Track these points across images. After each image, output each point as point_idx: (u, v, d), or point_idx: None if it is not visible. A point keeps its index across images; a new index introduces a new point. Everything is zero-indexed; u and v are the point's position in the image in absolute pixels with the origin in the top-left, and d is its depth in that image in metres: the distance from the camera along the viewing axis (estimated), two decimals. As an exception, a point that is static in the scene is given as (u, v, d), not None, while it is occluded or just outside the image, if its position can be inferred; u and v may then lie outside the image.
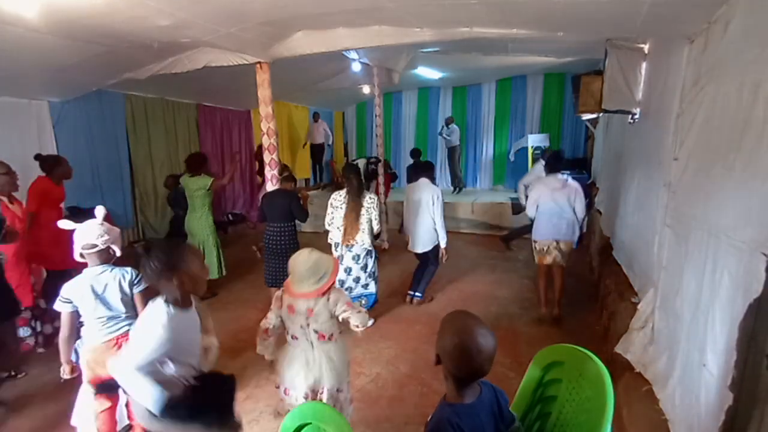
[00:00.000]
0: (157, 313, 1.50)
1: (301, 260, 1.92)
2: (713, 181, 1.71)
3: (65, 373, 2.09)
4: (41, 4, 2.45)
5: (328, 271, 1.93)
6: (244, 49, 3.68)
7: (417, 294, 4.29)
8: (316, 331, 1.94)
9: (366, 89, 7.70)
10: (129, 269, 2.14)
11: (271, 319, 2.01)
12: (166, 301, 1.53)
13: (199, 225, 4.43)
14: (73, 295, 2.03)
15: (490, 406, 1.25)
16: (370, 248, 3.83)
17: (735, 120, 1.55)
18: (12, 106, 4.53)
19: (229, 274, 5.01)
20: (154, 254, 1.51)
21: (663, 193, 2.38)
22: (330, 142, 9.93)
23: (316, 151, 9.63)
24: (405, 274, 4.78)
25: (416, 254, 4.25)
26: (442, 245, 4.07)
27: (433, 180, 4.19)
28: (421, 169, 4.33)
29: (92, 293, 2.03)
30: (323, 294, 1.92)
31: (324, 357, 1.96)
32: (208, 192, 4.41)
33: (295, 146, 9.28)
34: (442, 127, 9.14)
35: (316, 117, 9.42)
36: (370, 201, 3.76)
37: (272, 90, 4.06)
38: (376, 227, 3.82)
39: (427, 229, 4.06)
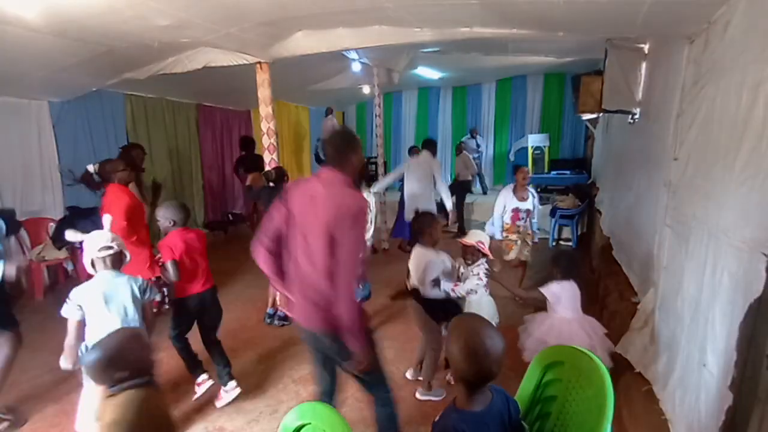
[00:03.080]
0: (429, 250, 2.65)
1: None
2: (713, 181, 1.71)
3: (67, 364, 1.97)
4: (41, 4, 2.45)
5: None
6: (244, 49, 3.68)
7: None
8: None
9: (366, 89, 7.68)
10: (138, 278, 2.15)
11: None
12: (425, 245, 2.67)
13: None
14: (84, 300, 1.98)
15: (500, 416, 1.20)
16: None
17: (735, 120, 1.55)
18: (12, 106, 4.53)
19: (230, 275, 5.02)
20: (430, 217, 2.76)
21: (663, 193, 2.38)
22: None
23: None
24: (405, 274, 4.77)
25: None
26: (448, 208, 4.76)
27: (434, 154, 4.91)
28: (425, 143, 5.04)
29: (104, 300, 2.00)
30: None
31: None
32: None
33: (296, 146, 9.22)
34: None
35: (328, 111, 8.99)
36: (373, 196, 3.76)
37: (272, 90, 4.06)
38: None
39: (427, 199, 4.65)
